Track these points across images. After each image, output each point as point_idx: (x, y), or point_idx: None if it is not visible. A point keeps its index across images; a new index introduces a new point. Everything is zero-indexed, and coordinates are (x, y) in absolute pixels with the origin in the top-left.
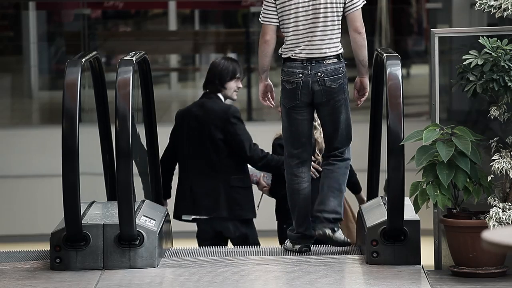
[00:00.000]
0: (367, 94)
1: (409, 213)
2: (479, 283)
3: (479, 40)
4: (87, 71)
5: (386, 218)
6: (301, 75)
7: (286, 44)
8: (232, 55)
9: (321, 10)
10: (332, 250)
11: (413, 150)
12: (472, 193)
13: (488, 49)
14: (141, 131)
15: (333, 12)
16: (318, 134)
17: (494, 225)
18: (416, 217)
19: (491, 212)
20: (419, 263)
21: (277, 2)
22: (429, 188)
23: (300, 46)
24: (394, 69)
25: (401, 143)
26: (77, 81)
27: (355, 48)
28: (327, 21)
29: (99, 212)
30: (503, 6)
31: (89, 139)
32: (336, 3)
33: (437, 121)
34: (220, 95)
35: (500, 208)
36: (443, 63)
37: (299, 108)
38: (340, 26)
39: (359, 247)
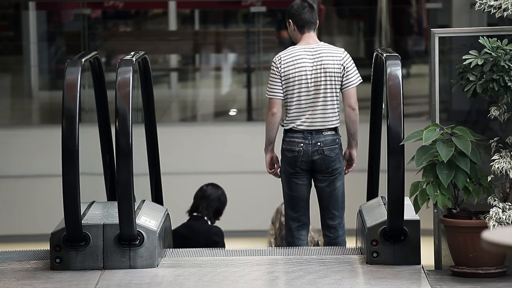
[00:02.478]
0: (354, 165)
1: (409, 213)
2: (479, 283)
3: (479, 40)
4: (87, 71)
5: (386, 218)
6: (302, 144)
7: (288, 116)
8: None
9: (322, 87)
10: (332, 250)
11: (413, 150)
12: (472, 193)
13: (488, 49)
14: (141, 131)
15: (332, 88)
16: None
17: (494, 225)
18: (416, 217)
19: (491, 212)
20: (419, 263)
21: (282, 78)
22: (429, 188)
23: (301, 119)
24: (394, 69)
25: (401, 143)
26: (77, 81)
27: (348, 123)
28: (327, 97)
29: (99, 212)
30: (503, 6)
31: (89, 139)
32: (336, 80)
33: (437, 121)
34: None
35: (500, 208)
36: (443, 63)
37: (299, 175)
38: (338, 100)
39: (359, 247)
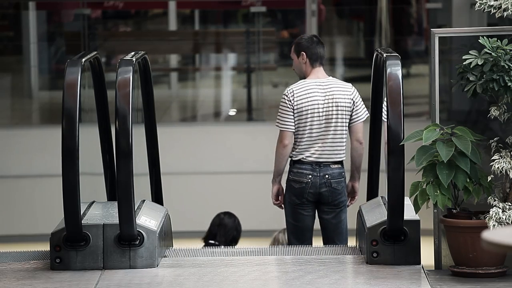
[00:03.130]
0: (357, 198)
1: (409, 213)
2: (479, 283)
3: (479, 40)
4: (87, 71)
5: (386, 218)
6: (310, 176)
7: (298, 147)
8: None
9: (333, 120)
10: (332, 250)
11: (413, 150)
12: (472, 193)
13: (488, 49)
14: (141, 131)
15: (343, 122)
16: None
17: (494, 225)
18: (416, 217)
19: (491, 212)
20: (419, 263)
21: (295, 111)
22: (429, 188)
23: (310, 150)
24: (394, 69)
25: (401, 143)
26: (77, 81)
27: (355, 156)
28: (337, 130)
29: (99, 212)
30: (503, 6)
31: (89, 139)
32: (346, 114)
33: (437, 121)
34: None
35: (500, 208)
36: (443, 63)
37: (305, 206)
38: (346, 134)
39: (359, 247)
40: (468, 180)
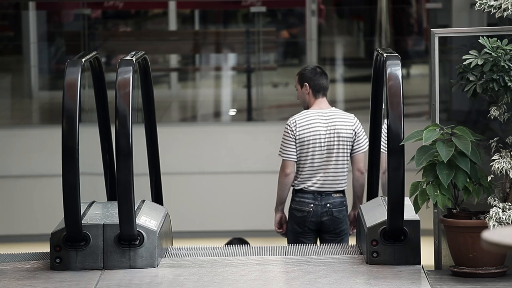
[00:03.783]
0: None
1: (409, 213)
2: (479, 283)
3: (479, 40)
4: (87, 71)
5: (386, 218)
6: (312, 205)
7: (300, 177)
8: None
9: (334, 150)
10: (332, 250)
11: (413, 150)
12: (472, 193)
13: (488, 49)
14: (141, 131)
15: (344, 152)
16: None
17: (494, 225)
18: (416, 217)
19: (491, 212)
20: (419, 263)
21: (297, 141)
22: (429, 188)
23: (312, 180)
24: (394, 69)
25: (401, 143)
26: (77, 81)
27: (356, 185)
28: (339, 160)
29: (99, 212)
30: (503, 6)
31: (89, 139)
32: (347, 144)
33: (437, 121)
34: None
35: (500, 208)
36: (443, 63)
37: (306, 234)
38: (348, 164)
39: (359, 247)
40: (468, 180)
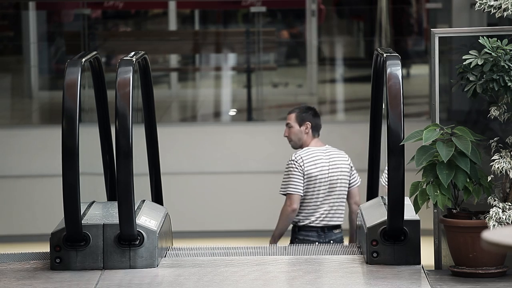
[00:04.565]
0: None
1: (409, 213)
2: (479, 283)
3: (479, 40)
4: (87, 71)
5: (386, 218)
6: (317, 242)
7: (304, 212)
8: (232, 55)
9: (337, 185)
10: (332, 250)
11: (413, 150)
12: (472, 193)
13: (488, 49)
14: (141, 131)
15: (344, 186)
16: None
17: (494, 225)
18: (416, 217)
19: (491, 212)
20: (419, 263)
21: (305, 176)
22: (429, 188)
23: (316, 215)
24: (394, 69)
25: (401, 143)
26: (77, 81)
27: (354, 219)
28: (340, 194)
29: (99, 212)
30: (503, 6)
31: (89, 139)
32: (346, 179)
33: (437, 121)
34: None
35: (500, 208)
36: (443, 63)
37: None
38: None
39: (359, 247)
40: (468, 180)
